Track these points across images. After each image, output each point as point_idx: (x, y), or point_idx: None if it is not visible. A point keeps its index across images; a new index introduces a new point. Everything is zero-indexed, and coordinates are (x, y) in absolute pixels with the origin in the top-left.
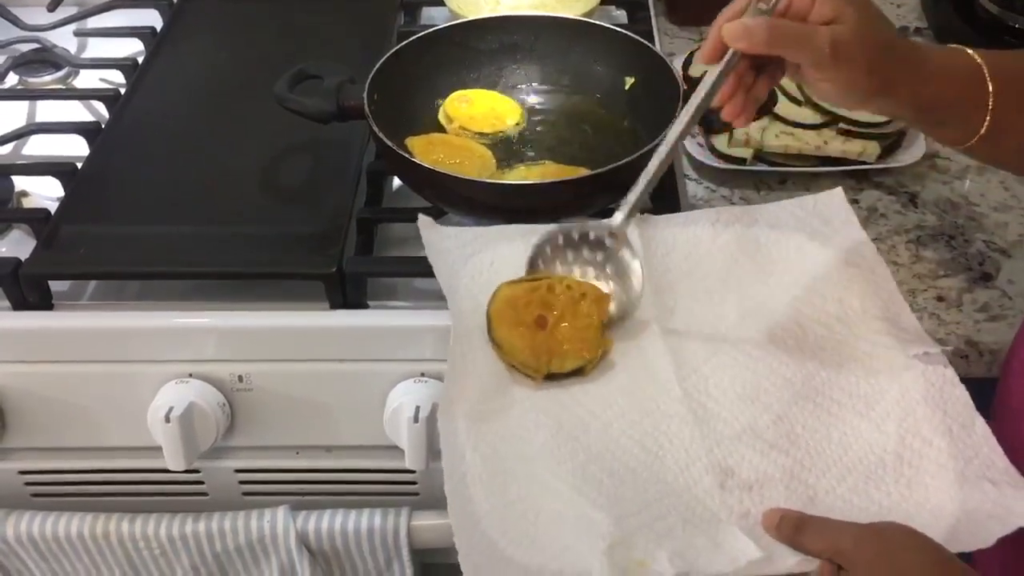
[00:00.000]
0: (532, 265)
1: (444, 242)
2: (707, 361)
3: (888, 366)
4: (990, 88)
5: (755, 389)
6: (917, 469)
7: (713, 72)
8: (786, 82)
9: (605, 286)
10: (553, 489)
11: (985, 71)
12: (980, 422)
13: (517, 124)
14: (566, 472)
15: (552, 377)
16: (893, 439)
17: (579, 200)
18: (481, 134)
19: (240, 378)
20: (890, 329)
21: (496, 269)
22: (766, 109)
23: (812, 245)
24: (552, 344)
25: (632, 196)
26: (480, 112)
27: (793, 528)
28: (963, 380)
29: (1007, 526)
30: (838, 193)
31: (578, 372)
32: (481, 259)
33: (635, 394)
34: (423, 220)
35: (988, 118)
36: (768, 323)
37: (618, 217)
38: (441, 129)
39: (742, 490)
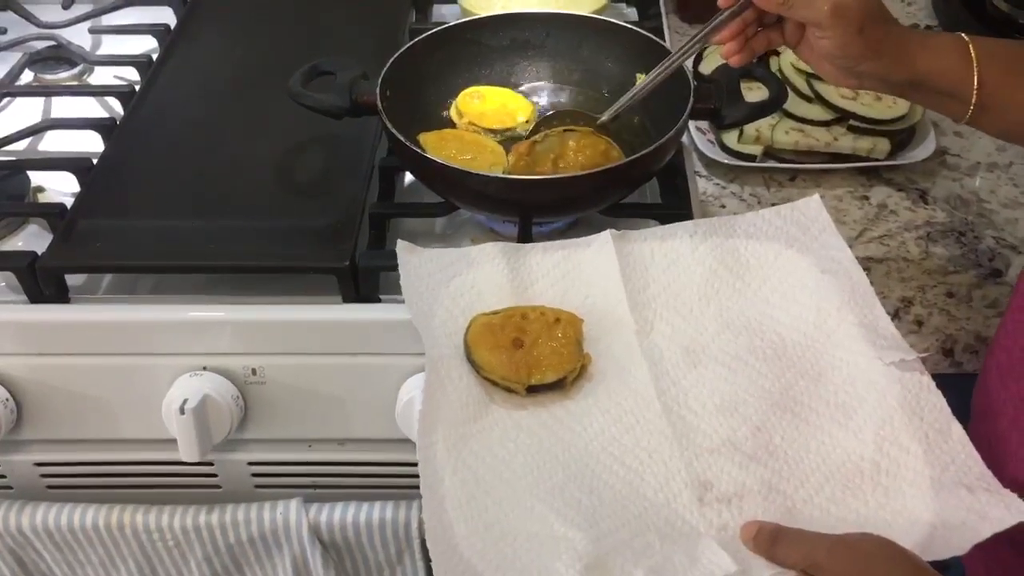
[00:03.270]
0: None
1: (424, 265)
2: (687, 374)
3: (866, 374)
4: (975, 62)
5: (734, 401)
6: (894, 477)
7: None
8: (795, 79)
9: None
10: (531, 510)
11: (971, 47)
12: (956, 428)
13: (527, 121)
14: (545, 492)
15: (534, 390)
16: (871, 447)
17: (591, 194)
18: (491, 131)
19: (253, 371)
20: (868, 336)
21: (478, 290)
22: (776, 105)
23: (790, 253)
24: (531, 360)
25: (624, 99)
26: (491, 108)
27: (769, 540)
28: (972, 375)
29: (981, 533)
30: (815, 200)
31: (558, 385)
32: (463, 280)
33: (615, 410)
34: (402, 244)
35: (976, 91)
36: (747, 334)
37: (605, 116)
38: (453, 125)
39: (721, 503)
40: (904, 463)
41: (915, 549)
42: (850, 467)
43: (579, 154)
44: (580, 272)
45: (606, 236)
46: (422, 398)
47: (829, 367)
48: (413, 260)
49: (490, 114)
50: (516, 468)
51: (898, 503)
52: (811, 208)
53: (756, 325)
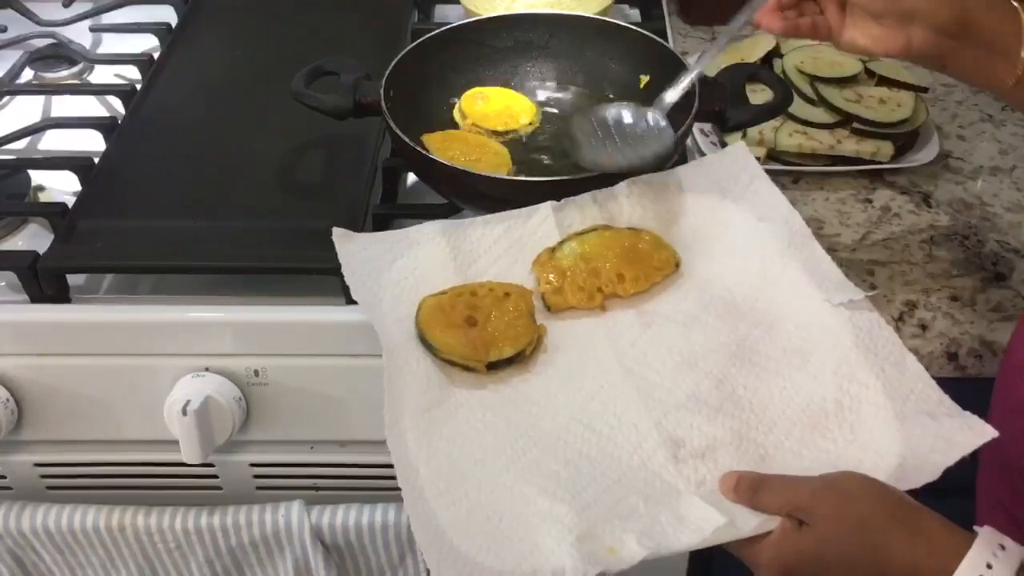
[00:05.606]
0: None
1: (363, 251)
2: (641, 335)
3: (817, 317)
4: (1021, 12)
5: (692, 357)
6: (858, 413)
7: None
8: (799, 81)
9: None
10: (511, 489)
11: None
12: (911, 359)
13: (531, 124)
14: (521, 469)
15: (494, 367)
16: (831, 387)
17: None
18: (494, 132)
19: (256, 372)
20: (813, 280)
21: (422, 272)
22: (781, 108)
23: (724, 205)
24: (486, 336)
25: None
26: (495, 110)
27: (750, 489)
28: (976, 380)
29: (949, 457)
30: (741, 147)
31: (518, 359)
32: (405, 263)
33: (577, 378)
34: (338, 231)
35: None
36: (696, 290)
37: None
38: (456, 126)
39: (695, 458)
40: (865, 398)
41: (888, 481)
42: (814, 408)
43: (609, 251)
44: (523, 246)
45: (546, 208)
46: (384, 386)
47: (780, 315)
48: (351, 247)
49: (493, 115)
50: (488, 448)
51: (865, 437)
52: (739, 156)
53: (703, 281)
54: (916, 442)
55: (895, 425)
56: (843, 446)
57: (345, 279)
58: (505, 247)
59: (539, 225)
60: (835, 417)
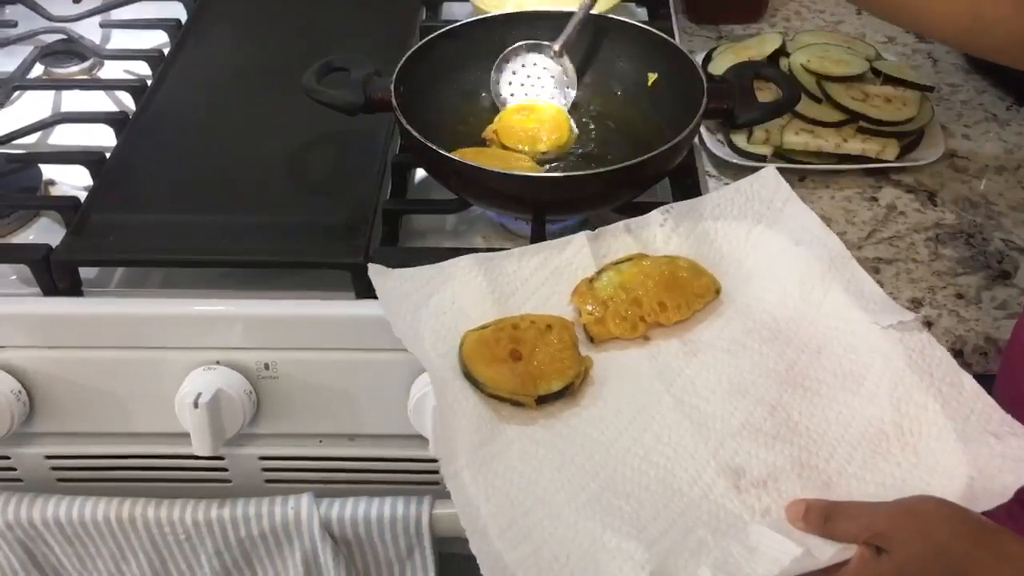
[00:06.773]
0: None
1: (401, 286)
2: (688, 364)
3: (865, 340)
4: None
5: (742, 384)
6: (919, 435)
7: None
8: (805, 79)
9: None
10: (575, 526)
11: None
12: (968, 379)
13: (545, 152)
14: (583, 505)
15: (543, 401)
16: (888, 410)
17: (604, 193)
18: (515, 149)
19: (266, 366)
20: (856, 302)
21: (459, 306)
22: (790, 105)
23: (760, 230)
24: (533, 370)
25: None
26: (527, 126)
27: (822, 517)
28: (981, 376)
29: (1022, 477)
30: (771, 171)
31: (566, 392)
32: (442, 298)
33: (627, 409)
34: (374, 268)
35: None
36: (739, 317)
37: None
38: (458, 123)
39: (757, 487)
40: (925, 420)
41: (959, 503)
42: (873, 432)
43: (648, 279)
44: (560, 277)
45: (581, 239)
46: (435, 424)
47: (827, 338)
48: (388, 283)
49: (518, 131)
50: (546, 485)
51: (930, 460)
52: (770, 180)
53: (744, 307)
54: (984, 463)
55: (959, 447)
56: (908, 469)
57: (385, 314)
58: (542, 279)
59: (575, 256)
60: (896, 440)
